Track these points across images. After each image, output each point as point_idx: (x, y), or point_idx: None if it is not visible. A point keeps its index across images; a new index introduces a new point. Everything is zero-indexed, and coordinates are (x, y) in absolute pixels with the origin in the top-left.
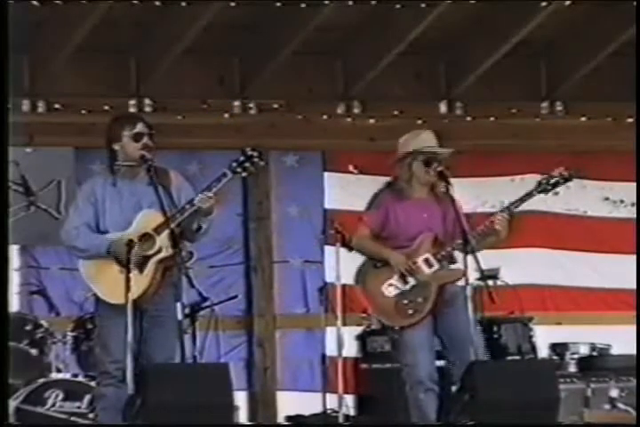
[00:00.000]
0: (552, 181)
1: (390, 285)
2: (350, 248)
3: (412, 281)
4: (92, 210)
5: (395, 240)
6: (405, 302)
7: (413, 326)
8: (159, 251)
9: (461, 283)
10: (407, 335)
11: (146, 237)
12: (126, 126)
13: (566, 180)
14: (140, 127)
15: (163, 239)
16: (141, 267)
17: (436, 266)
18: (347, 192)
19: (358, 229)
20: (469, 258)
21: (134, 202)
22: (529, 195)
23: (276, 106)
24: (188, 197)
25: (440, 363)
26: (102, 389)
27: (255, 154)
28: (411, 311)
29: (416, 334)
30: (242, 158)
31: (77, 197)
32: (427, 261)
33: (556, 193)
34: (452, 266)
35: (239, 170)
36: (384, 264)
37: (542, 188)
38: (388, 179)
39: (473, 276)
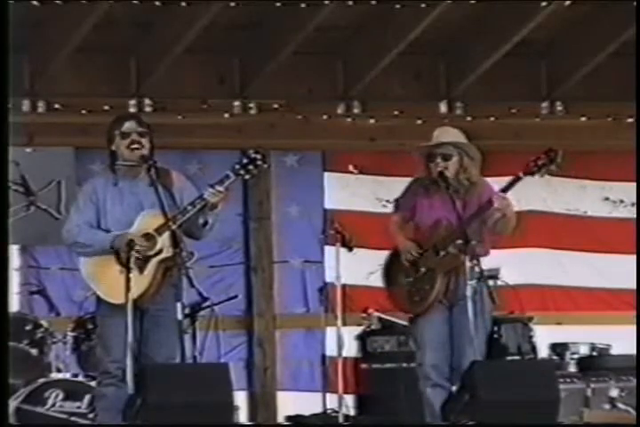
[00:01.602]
0: (539, 162)
1: (405, 274)
2: (350, 248)
3: (422, 269)
4: (94, 209)
5: (419, 231)
6: (414, 289)
7: (427, 321)
8: (160, 251)
9: (470, 281)
10: (419, 329)
11: (147, 238)
12: (116, 126)
13: (552, 160)
14: (127, 125)
15: (164, 240)
16: (142, 267)
17: (442, 253)
18: (347, 192)
19: (390, 218)
20: (469, 257)
21: (136, 202)
22: (518, 178)
23: (276, 106)
24: (191, 198)
25: None
26: (103, 389)
27: (258, 157)
28: (417, 298)
29: (427, 328)
30: (245, 161)
31: (78, 197)
32: (434, 247)
33: (542, 175)
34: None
35: (242, 172)
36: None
37: (530, 170)
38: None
39: (473, 276)
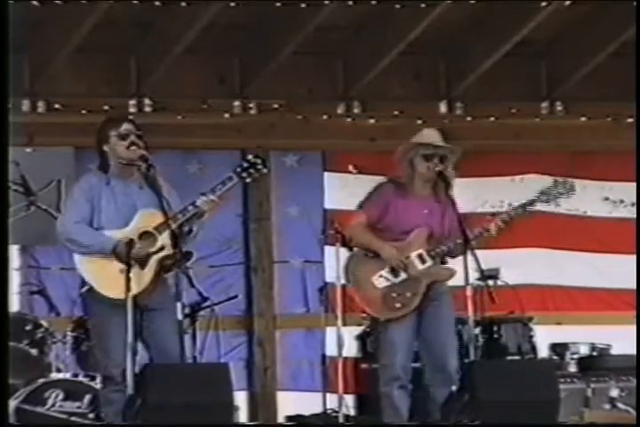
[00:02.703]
0: (554, 191)
1: (381, 276)
2: (350, 248)
3: (403, 275)
4: (89, 206)
5: (389, 233)
6: (394, 295)
7: (398, 322)
8: (161, 249)
9: (455, 282)
10: (391, 330)
11: (147, 236)
12: (112, 127)
13: (569, 190)
14: (125, 126)
15: (164, 238)
16: (143, 264)
17: (429, 263)
18: (347, 192)
19: (355, 217)
20: (469, 258)
21: (129, 202)
22: (531, 203)
23: (276, 106)
24: (176, 202)
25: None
26: (110, 395)
27: (259, 161)
28: (398, 305)
29: (398, 330)
30: (245, 165)
31: (74, 192)
32: (420, 256)
33: (558, 205)
34: (444, 266)
35: (244, 175)
36: (375, 255)
37: (545, 198)
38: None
39: (473, 276)
